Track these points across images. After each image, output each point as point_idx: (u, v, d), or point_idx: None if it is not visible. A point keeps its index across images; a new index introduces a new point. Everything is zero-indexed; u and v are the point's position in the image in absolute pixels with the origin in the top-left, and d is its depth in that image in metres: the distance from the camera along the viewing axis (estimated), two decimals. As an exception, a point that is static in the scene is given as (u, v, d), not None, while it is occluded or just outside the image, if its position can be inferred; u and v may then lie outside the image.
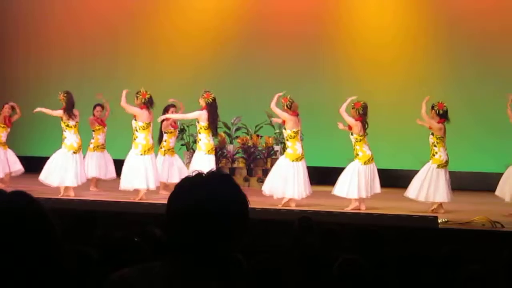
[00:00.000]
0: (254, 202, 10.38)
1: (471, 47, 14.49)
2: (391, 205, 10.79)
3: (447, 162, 10.71)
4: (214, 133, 11.32)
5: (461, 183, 13.37)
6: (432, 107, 10.71)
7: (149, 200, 10.66)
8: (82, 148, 11.71)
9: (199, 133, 11.16)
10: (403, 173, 14.16)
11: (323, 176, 13.62)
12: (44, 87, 15.70)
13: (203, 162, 10.89)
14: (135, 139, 10.99)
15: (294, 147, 10.78)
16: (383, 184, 11.01)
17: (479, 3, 14.65)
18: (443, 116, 10.71)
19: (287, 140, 10.85)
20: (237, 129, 14.52)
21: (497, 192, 10.70)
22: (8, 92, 15.44)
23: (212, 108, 11.08)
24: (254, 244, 4.29)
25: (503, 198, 10.59)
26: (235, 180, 1.99)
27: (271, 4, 15.44)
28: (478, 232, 8.61)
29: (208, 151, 11.09)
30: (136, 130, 10.95)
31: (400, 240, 7.11)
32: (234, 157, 14.07)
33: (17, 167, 12.68)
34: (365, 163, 10.68)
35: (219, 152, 13.92)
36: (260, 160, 14.01)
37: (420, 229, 8.63)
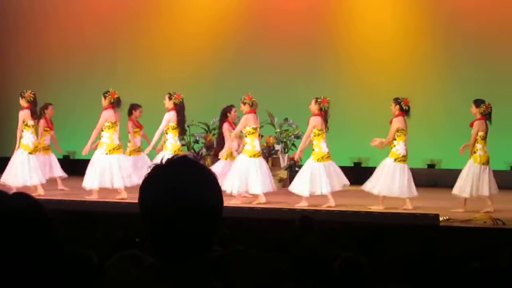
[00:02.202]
0: (253, 202, 10.36)
1: (470, 44, 14.48)
2: (391, 204, 10.77)
3: (404, 156, 10.64)
4: (182, 133, 11.29)
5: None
6: (398, 102, 10.71)
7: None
8: (39, 149, 11.60)
9: (166, 133, 11.15)
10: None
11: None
12: (45, 87, 15.70)
13: None
14: (100, 139, 11.07)
15: (252, 143, 10.94)
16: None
17: (477, 1, 14.64)
18: (405, 111, 10.68)
19: (246, 136, 10.97)
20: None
21: (455, 191, 10.64)
22: (9, 93, 15.43)
23: (180, 109, 11.12)
24: (255, 243, 4.30)
25: (461, 195, 10.54)
26: (195, 161, 1.92)
27: (271, 2, 15.44)
28: (480, 229, 8.61)
29: (175, 151, 11.09)
30: (102, 130, 11.00)
31: (401, 238, 7.10)
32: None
33: (60, 172, 12.38)
34: (318, 160, 10.69)
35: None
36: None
37: (421, 227, 8.64)
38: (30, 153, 11.30)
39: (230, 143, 11.41)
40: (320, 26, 15.13)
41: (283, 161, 13.74)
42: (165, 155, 10.98)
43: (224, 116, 11.82)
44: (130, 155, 12.05)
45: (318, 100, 10.79)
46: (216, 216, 1.87)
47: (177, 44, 15.78)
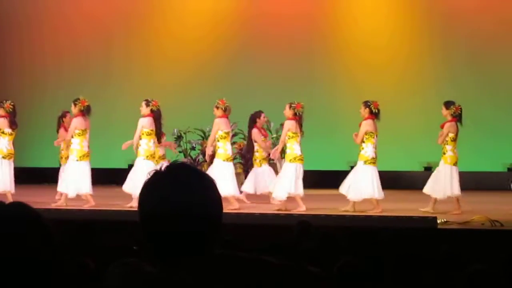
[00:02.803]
0: (252, 207, 10.39)
1: (465, 47, 14.51)
2: (388, 207, 10.77)
3: (374, 159, 10.68)
4: (158, 141, 11.31)
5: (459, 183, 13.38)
6: (368, 105, 10.74)
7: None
8: (12, 156, 11.52)
9: (141, 138, 11.18)
10: (399, 174, 14.19)
11: (320, 179, 13.63)
12: (38, 93, 15.70)
13: (142, 168, 10.94)
14: (70, 145, 11.20)
15: (225, 147, 11.07)
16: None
17: (474, 3, 14.67)
18: (375, 115, 10.71)
19: (218, 140, 11.07)
20: (233, 135, 14.50)
21: (426, 190, 10.68)
22: (1, 99, 15.39)
23: (157, 116, 11.17)
24: (252, 249, 4.28)
25: (432, 195, 10.56)
26: (193, 167, 1.93)
27: (266, 7, 15.45)
28: (478, 231, 8.60)
29: (147, 156, 11.10)
30: (72, 137, 11.08)
31: (399, 242, 7.09)
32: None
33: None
34: (291, 161, 10.78)
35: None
36: (257, 165, 13.97)
37: (419, 230, 8.63)
38: (3, 157, 11.27)
39: (209, 148, 11.41)
40: (316, 31, 15.15)
41: (280, 166, 13.73)
42: (138, 160, 11.12)
43: (253, 122, 11.84)
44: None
45: (292, 105, 10.90)
46: (216, 222, 1.87)
47: (172, 50, 15.78)
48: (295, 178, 10.66)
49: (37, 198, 10.99)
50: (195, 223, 1.84)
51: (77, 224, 7.73)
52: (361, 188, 10.53)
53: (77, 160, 11.04)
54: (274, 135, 13.98)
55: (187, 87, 15.11)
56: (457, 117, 10.64)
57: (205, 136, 14.03)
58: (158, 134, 11.25)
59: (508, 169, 14.41)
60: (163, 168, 1.91)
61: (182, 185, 1.86)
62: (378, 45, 14.90)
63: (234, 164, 14.02)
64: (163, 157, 12.01)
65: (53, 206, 10.67)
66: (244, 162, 13.78)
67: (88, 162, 11.12)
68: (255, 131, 11.79)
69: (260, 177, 11.70)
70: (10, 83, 16.07)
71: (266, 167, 11.84)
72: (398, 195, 11.24)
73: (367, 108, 10.74)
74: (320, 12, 15.28)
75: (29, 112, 15.35)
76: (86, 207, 10.76)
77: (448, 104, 10.71)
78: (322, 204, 11.10)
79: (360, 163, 10.71)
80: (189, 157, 14.03)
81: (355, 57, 15.04)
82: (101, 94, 15.59)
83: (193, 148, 14.15)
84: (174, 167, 1.91)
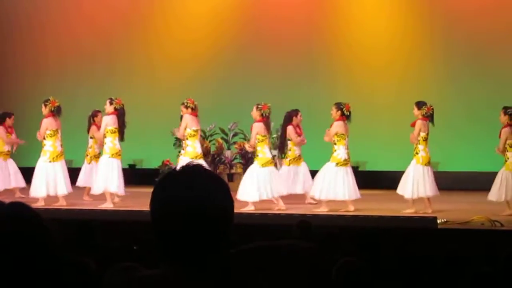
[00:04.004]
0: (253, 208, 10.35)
1: (467, 48, 14.50)
2: (388, 207, 10.77)
3: (346, 160, 10.71)
4: (122, 138, 11.34)
5: (458, 183, 13.38)
6: (339, 107, 10.77)
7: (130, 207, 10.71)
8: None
9: (105, 137, 11.21)
10: (399, 174, 14.17)
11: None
12: (40, 96, 15.67)
13: (107, 165, 11.03)
14: (43, 147, 11.22)
15: (193, 145, 11.13)
16: (380, 186, 11.00)
17: (474, 5, 14.67)
18: (346, 116, 10.76)
19: (187, 138, 11.15)
20: (234, 135, 14.51)
21: (398, 190, 10.69)
22: (4, 102, 15.41)
23: (121, 114, 11.22)
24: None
25: (403, 195, 10.58)
26: (207, 168, 1.94)
27: (267, 9, 15.45)
28: (478, 231, 8.60)
29: (112, 154, 11.14)
30: (44, 138, 11.15)
31: (399, 242, 7.10)
32: (232, 162, 14.06)
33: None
34: (263, 165, 10.81)
35: (216, 158, 13.90)
36: (257, 165, 13.97)
37: (419, 230, 8.63)
38: (53, 159, 11.35)
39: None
40: (317, 32, 15.14)
41: (280, 166, 13.75)
42: (103, 159, 11.20)
43: (289, 120, 11.70)
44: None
45: (259, 106, 10.94)
46: (227, 222, 1.88)
47: (173, 52, 15.79)
48: (268, 183, 10.71)
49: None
50: (206, 223, 1.85)
51: (77, 223, 7.73)
52: (335, 189, 10.56)
53: (50, 162, 11.12)
54: (274, 135, 13.99)
55: (187, 88, 15.09)
56: (429, 117, 10.64)
57: (205, 136, 14.04)
58: (122, 132, 11.28)
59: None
60: (177, 168, 1.93)
61: (195, 185, 1.87)
62: (378, 46, 14.89)
63: (235, 164, 14.06)
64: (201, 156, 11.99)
65: (91, 206, 10.63)
66: (244, 162, 13.78)
67: (61, 162, 11.21)
68: (290, 128, 11.65)
69: (286, 177, 11.55)
70: (13, 88, 16.09)
71: (293, 167, 11.66)
72: (397, 195, 11.20)
73: (339, 110, 10.79)
74: (320, 13, 15.27)
75: (30, 113, 15.35)
76: (56, 205, 10.83)
77: (419, 104, 10.73)
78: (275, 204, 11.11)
79: (331, 165, 10.73)
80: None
81: (356, 59, 15.04)
82: (102, 95, 15.56)
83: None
84: (188, 167, 1.92)
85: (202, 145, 13.90)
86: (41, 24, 16.28)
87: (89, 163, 12.16)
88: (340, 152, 10.71)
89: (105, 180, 10.98)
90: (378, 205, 10.76)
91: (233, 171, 14.03)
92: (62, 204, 10.98)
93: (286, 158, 11.81)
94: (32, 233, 1.85)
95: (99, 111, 12.28)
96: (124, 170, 11.76)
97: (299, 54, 15.15)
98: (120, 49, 15.90)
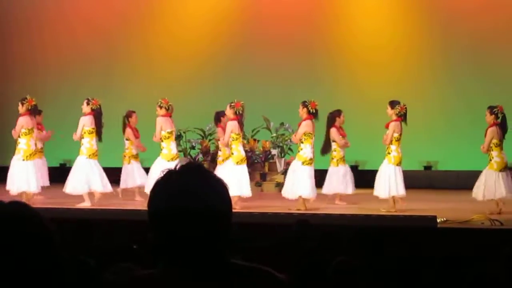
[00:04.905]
0: (252, 207, 10.40)
1: (466, 46, 14.51)
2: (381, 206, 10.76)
3: (311, 159, 10.73)
4: (100, 139, 11.35)
5: (459, 182, 13.36)
6: (305, 105, 10.77)
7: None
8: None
9: (83, 137, 11.24)
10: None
11: (320, 178, 13.61)
12: (40, 96, 15.65)
13: (86, 166, 11.06)
14: (17, 145, 11.27)
15: (169, 147, 11.14)
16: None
17: (473, 4, 14.67)
18: (313, 114, 10.75)
19: (162, 140, 11.15)
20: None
21: (375, 192, 10.70)
22: (4, 103, 15.42)
23: (98, 114, 11.25)
24: (251, 248, 4.29)
25: (379, 196, 10.61)
26: (207, 169, 1.94)
27: (266, 8, 15.45)
28: (477, 230, 8.60)
29: (90, 155, 11.17)
30: (19, 136, 11.20)
31: (399, 241, 7.10)
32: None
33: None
34: (237, 163, 10.87)
35: (215, 157, 13.90)
36: (257, 164, 14.00)
37: (419, 229, 8.63)
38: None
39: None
40: (316, 31, 15.14)
41: (280, 166, 13.76)
42: (80, 159, 11.19)
43: (332, 121, 11.62)
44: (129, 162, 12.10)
45: (232, 104, 10.98)
46: (224, 223, 1.88)
47: (172, 51, 15.79)
48: (243, 180, 10.78)
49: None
50: (203, 224, 1.85)
51: (77, 223, 7.73)
52: (300, 186, 10.60)
53: (24, 160, 11.14)
54: (274, 135, 13.99)
55: (187, 87, 15.12)
56: (402, 117, 10.63)
57: (205, 136, 14.05)
58: (99, 132, 11.29)
59: (510, 168, 14.40)
60: (177, 168, 1.93)
61: (193, 186, 1.87)
62: (378, 44, 14.90)
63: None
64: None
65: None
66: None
67: (34, 161, 11.25)
68: (333, 130, 11.55)
69: (335, 177, 11.54)
70: (11, 88, 16.07)
71: (342, 167, 11.61)
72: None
73: (305, 108, 10.79)
74: (320, 12, 15.27)
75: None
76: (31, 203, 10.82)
77: (393, 104, 10.74)
78: (323, 203, 11.11)
79: (298, 163, 10.75)
80: (188, 156, 14.03)
81: (355, 57, 15.04)
82: (102, 95, 15.55)
83: (193, 147, 14.15)
84: (186, 168, 1.92)
85: (202, 144, 13.92)
86: (40, 24, 16.27)
87: (129, 163, 12.08)
88: (306, 151, 10.72)
89: (87, 181, 11.01)
90: (378, 205, 10.75)
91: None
92: (34, 202, 10.89)
93: (333, 158, 11.71)
94: (33, 232, 1.85)
95: (133, 112, 12.25)
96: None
97: (299, 53, 15.15)
98: (119, 49, 15.90)
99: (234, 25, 15.54)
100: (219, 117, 11.85)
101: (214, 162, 12.07)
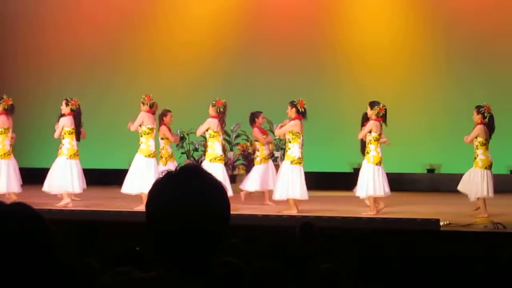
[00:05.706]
0: (255, 209, 10.37)
1: (469, 47, 14.50)
2: (391, 209, 10.76)
3: (300, 159, 10.70)
4: (78, 139, 11.37)
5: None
6: (294, 105, 10.76)
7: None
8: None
9: (63, 138, 11.28)
10: (402, 176, 14.17)
11: (323, 181, 13.62)
12: (44, 97, 15.71)
13: (66, 167, 11.11)
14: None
15: (147, 143, 11.07)
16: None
17: (475, 5, 14.67)
18: (301, 114, 10.74)
19: (141, 136, 11.13)
20: (237, 136, 14.52)
21: (356, 192, 10.65)
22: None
23: (77, 114, 11.30)
24: (254, 251, 4.28)
25: (359, 196, 10.57)
26: (205, 171, 1.94)
27: (269, 9, 15.46)
28: (480, 233, 8.59)
29: (70, 155, 11.21)
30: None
31: (402, 244, 7.09)
32: (235, 164, 14.06)
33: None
34: (210, 160, 10.90)
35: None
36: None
37: (422, 232, 8.62)
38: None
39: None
40: (319, 32, 15.15)
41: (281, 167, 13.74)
42: (60, 159, 11.24)
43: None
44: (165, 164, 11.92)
45: (213, 102, 11.07)
46: (223, 224, 1.88)
47: (175, 52, 15.80)
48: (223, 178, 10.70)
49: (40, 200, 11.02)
50: (201, 225, 1.85)
51: (78, 224, 7.73)
52: (293, 189, 10.55)
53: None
54: (277, 137, 13.98)
55: (190, 89, 15.13)
56: (382, 117, 10.63)
57: (230, 139, 14.14)
58: (78, 133, 11.33)
59: (511, 171, 14.39)
60: (176, 169, 1.93)
61: (192, 187, 1.87)
62: (381, 46, 14.90)
63: (237, 166, 14.05)
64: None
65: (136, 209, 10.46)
66: (246, 163, 13.78)
67: (8, 160, 11.34)
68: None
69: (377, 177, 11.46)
70: (17, 90, 16.08)
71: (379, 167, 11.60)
72: (400, 197, 11.22)
73: (294, 108, 10.78)
74: (323, 13, 15.28)
75: (31, 114, 15.38)
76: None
77: (372, 104, 10.72)
78: (325, 206, 11.10)
79: (287, 163, 10.73)
80: (191, 158, 14.03)
81: (358, 58, 15.04)
82: (105, 96, 15.62)
83: (196, 149, 14.15)
84: (186, 168, 1.92)
85: (205, 146, 13.91)
86: (43, 25, 16.30)
87: (165, 165, 11.75)
88: (294, 150, 10.69)
89: (64, 182, 11.06)
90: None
91: (235, 172, 14.02)
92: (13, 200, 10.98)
93: (256, 158, 11.97)
94: (35, 233, 1.85)
95: (168, 111, 12.14)
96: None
97: (302, 55, 15.15)
98: (123, 51, 15.92)
99: (237, 27, 15.55)
100: (253, 117, 11.89)
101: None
